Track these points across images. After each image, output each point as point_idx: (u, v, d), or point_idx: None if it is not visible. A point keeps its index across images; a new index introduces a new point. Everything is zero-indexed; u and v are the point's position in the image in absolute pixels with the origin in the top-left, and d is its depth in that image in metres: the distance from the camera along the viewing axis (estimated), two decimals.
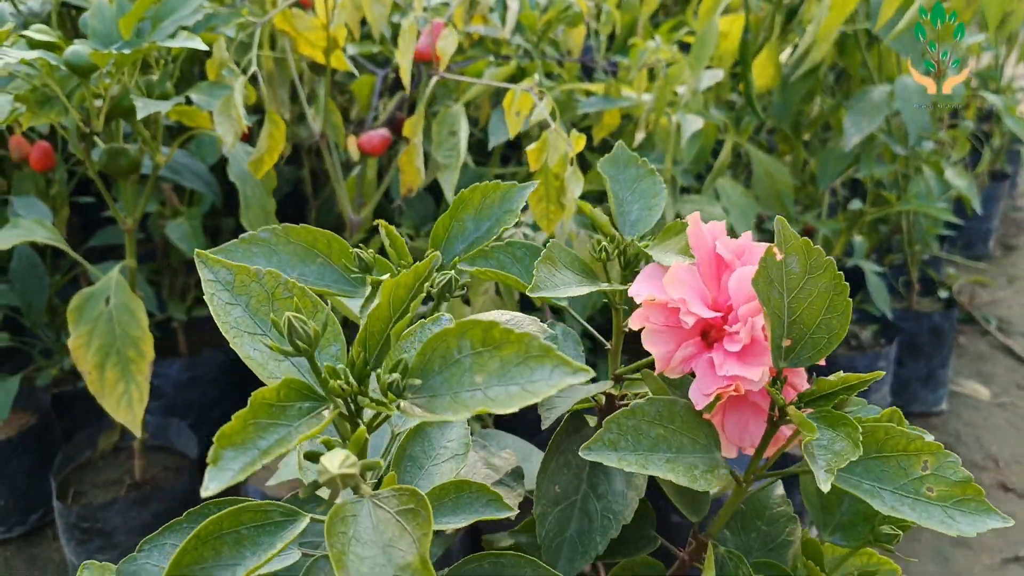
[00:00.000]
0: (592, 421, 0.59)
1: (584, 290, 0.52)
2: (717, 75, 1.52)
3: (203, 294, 0.43)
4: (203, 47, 0.84)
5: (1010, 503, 1.70)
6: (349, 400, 0.38)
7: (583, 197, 1.55)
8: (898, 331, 1.89)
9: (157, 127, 1.04)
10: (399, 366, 0.37)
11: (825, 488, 0.42)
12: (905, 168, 1.85)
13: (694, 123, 1.36)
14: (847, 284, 0.49)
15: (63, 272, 1.62)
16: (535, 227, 1.20)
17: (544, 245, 0.54)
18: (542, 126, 1.02)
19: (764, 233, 1.80)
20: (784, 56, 1.80)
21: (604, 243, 0.56)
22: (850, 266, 1.80)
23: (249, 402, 0.35)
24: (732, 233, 1.65)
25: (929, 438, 0.49)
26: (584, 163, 1.67)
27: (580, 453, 0.44)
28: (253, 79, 1.25)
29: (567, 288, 0.51)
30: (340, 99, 1.60)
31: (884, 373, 0.59)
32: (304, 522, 0.38)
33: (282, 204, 1.71)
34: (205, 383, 1.63)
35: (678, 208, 1.56)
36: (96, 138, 1.08)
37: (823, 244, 1.81)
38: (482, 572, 0.47)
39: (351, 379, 0.38)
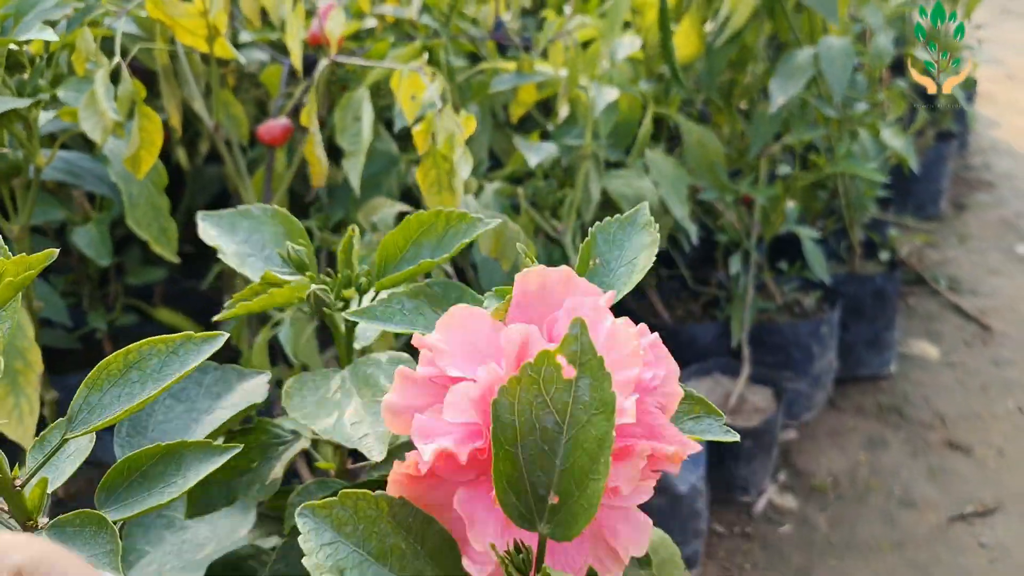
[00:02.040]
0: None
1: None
2: (635, 42, 1.49)
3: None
4: (54, 38, 0.80)
5: (956, 460, 1.69)
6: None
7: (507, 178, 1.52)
8: (840, 296, 1.87)
9: (32, 129, 1.00)
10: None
11: None
12: (839, 131, 1.83)
13: (608, 94, 1.33)
14: (613, 437, 0.34)
15: None
16: None
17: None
18: (430, 107, 0.99)
19: (698, 204, 1.78)
20: (709, 26, 1.77)
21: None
22: (786, 232, 1.78)
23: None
24: (663, 206, 1.61)
25: None
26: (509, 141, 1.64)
27: (297, 514, 0.38)
28: (146, 74, 1.20)
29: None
30: (256, 92, 1.56)
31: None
32: None
33: (213, 204, 1.67)
34: None
35: (604, 183, 1.53)
36: None
37: (760, 213, 1.79)
38: None
39: None
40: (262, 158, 1.42)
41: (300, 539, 0.37)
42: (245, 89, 1.56)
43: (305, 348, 1.12)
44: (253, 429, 0.58)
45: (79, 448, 0.48)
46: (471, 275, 1.32)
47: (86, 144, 1.38)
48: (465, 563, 0.37)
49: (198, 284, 1.80)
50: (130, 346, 0.45)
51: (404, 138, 1.65)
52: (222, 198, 1.74)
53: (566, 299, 0.40)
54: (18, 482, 0.44)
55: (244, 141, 1.23)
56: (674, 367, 0.41)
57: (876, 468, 1.68)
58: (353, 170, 1.12)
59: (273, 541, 0.63)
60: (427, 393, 0.39)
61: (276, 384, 0.63)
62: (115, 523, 0.42)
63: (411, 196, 1.54)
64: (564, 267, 0.41)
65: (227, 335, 0.45)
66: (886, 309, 1.93)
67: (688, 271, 1.90)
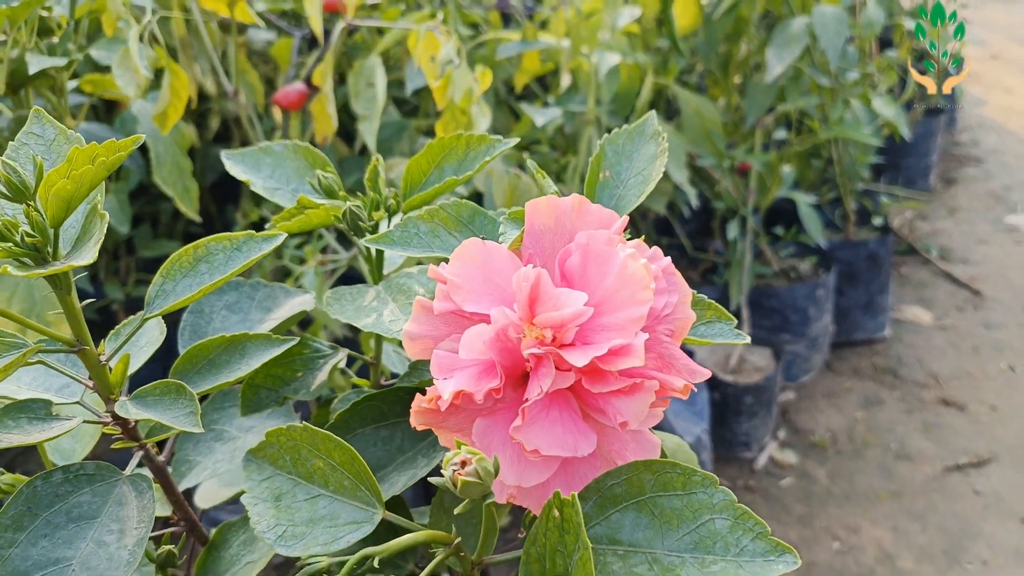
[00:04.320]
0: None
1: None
2: (635, 12, 1.53)
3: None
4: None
5: (950, 415, 1.75)
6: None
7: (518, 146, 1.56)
8: (835, 261, 1.92)
9: (63, 94, 1.04)
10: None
11: None
12: (832, 100, 1.87)
13: (610, 59, 1.37)
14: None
15: None
16: None
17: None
18: (447, 64, 1.03)
19: (695, 171, 1.82)
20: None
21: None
22: (784, 200, 1.83)
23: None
24: (664, 173, 1.67)
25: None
26: (514, 114, 1.68)
27: (243, 461, 0.46)
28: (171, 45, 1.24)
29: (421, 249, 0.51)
30: (264, 68, 1.59)
31: None
32: None
33: (219, 183, 1.71)
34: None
35: None
36: (4, 107, 1.08)
37: (756, 180, 1.84)
38: None
39: None
40: (275, 129, 1.45)
41: (243, 481, 0.44)
42: (254, 64, 1.59)
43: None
44: (297, 343, 0.62)
45: (150, 339, 0.52)
46: None
47: (97, 118, 1.42)
48: None
49: None
50: (198, 241, 0.48)
51: (410, 107, 1.69)
52: (229, 177, 1.78)
53: (580, 228, 0.40)
54: (103, 357, 0.48)
55: (260, 108, 1.26)
56: (687, 291, 0.41)
57: (873, 425, 1.73)
58: (369, 132, 1.16)
59: None
60: (444, 323, 0.40)
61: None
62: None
63: None
64: (575, 195, 0.41)
65: (285, 235, 0.49)
66: (880, 274, 1.98)
67: (687, 240, 1.95)
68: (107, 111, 1.46)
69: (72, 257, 0.43)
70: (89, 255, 0.40)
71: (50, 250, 0.43)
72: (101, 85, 1.18)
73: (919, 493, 1.54)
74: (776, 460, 1.65)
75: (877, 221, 2.06)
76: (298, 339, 0.57)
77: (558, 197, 0.41)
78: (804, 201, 1.81)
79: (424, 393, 0.39)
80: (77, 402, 0.50)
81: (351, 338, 1.50)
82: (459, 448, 0.37)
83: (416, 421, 0.40)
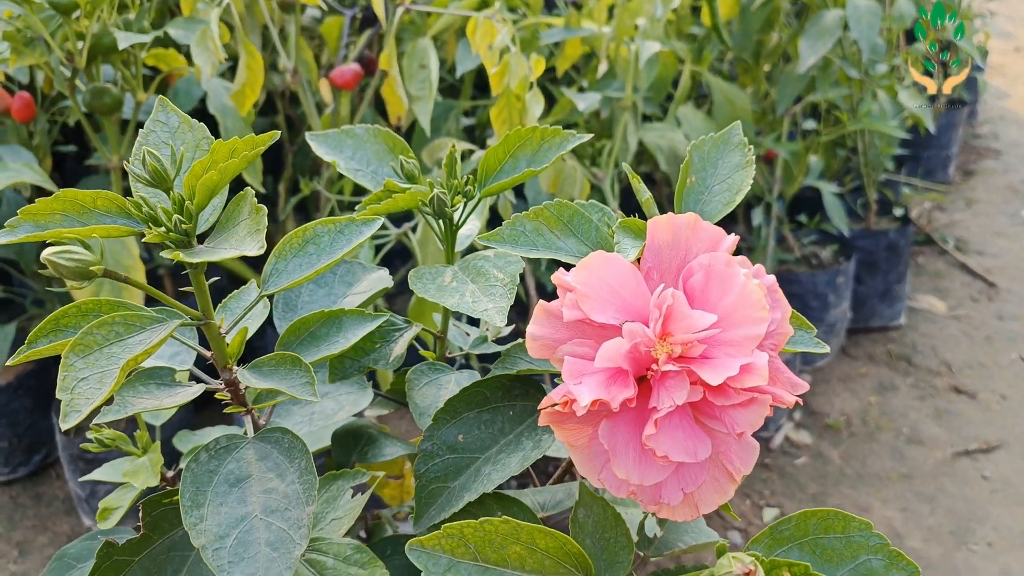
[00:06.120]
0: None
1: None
2: (674, 1, 1.57)
3: None
4: None
5: (961, 403, 1.80)
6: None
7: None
8: (856, 250, 1.97)
9: (137, 67, 1.09)
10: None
11: None
12: (860, 92, 1.92)
13: (650, 48, 1.42)
14: None
15: None
16: None
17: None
18: (503, 52, 1.08)
19: None
20: None
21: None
22: (808, 188, 1.88)
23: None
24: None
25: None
26: (551, 99, 1.73)
27: (408, 551, 0.46)
28: (228, 22, 1.29)
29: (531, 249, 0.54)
30: (311, 45, 1.64)
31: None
32: None
33: (265, 155, 1.76)
34: None
35: (641, 135, 1.63)
36: (78, 82, 1.13)
37: (783, 167, 1.89)
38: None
39: None
40: (324, 106, 1.51)
41: (423, 573, 0.46)
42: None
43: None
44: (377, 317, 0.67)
45: (257, 312, 0.58)
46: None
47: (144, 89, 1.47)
48: (605, 483, 0.43)
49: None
50: (306, 224, 0.54)
51: (445, 85, 1.74)
52: (272, 150, 1.83)
53: (694, 244, 0.44)
54: (223, 330, 0.54)
55: (315, 85, 1.32)
56: (787, 308, 0.44)
57: (886, 410, 1.79)
58: (423, 113, 1.21)
59: (385, 412, 0.74)
60: (568, 328, 0.43)
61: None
62: None
63: (471, 138, 1.63)
64: (691, 213, 0.45)
65: (382, 219, 0.54)
66: (898, 263, 2.03)
67: None
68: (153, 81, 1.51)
69: (222, 244, 0.48)
70: (255, 246, 0.44)
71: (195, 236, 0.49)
72: (165, 60, 1.23)
73: (929, 476, 1.60)
74: (792, 440, 1.71)
75: (898, 212, 2.11)
76: (388, 314, 0.63)
77: (675, 215, 0.45)
78: (829, 190, 1.86)
79: (536, 387, 0.43)
80: (188, 369, 0.56)
81: (393, 309, 1.56)
82: (733, 559, 0.42)
83: (544, 420, 0.43)
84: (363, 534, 0.80)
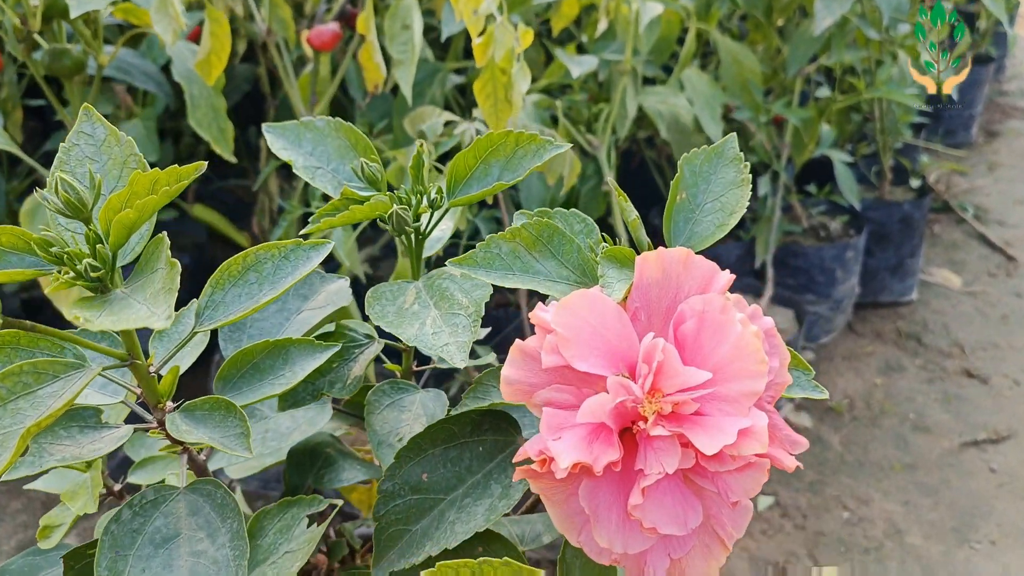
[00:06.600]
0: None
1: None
2: None
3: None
4: None
5: (972, 388, 1.73)
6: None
7: (542, 90, 1.52)
8: (867, 221, 1.88)
9: (97, 26, 1.01)
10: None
11: None
12: (879, 53, 1.81)
13: (653, 9, 1.32)
14: None
15: (21, 178, 1.60)
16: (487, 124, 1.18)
17: None
18: (488, 18, 0.99)
19: (730, 123, 1.77)
20: None
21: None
22: (819, 156, 1.78)
23: None
24: (696, 124, 1.61)
25: None
26: (548, 55, 1.63)
27: None
28: None
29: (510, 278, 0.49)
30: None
31: None
32: None
33: (241, 103, 1.68)
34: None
35: (640, 100, 1.53)
36: (40, 39, 1.06)
37: (792, 134, 1.79)
38: None
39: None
40: (306, 63, 1.42)
41: None
42: None
43: (350, 252, 1.15)
44: (333, 332, 0.61)
45: (195, 342, 0.52)
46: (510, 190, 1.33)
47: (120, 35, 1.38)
48: (585, 547, 0.39)
49: (226, 184, 1.84)
50: (247, 250, 0.48)
51: (442, 48, 1.64)
52: (251, 97, 1.75)
53: (685, 282, 0.40)
54: (152, 368, 0.47)
55: (292, 44, 1.23)
56: (786, 355, 0.41)
57: (891, 392, 1.72)
58: (404, 78, 1.12)
59: (343, 431, 0.68)
60: (547, 373, 0.40)
61: None
62: None
63: (456, 105, 1.54)
64: (682, 248, 0.41)
65: (333, 243, 0.47)
66: (912, 236, 1.94)
67: None
68: (127, 29, 1.42)
69: (136, 293, 0.42)
70: (163, 315, 0.39)
71: (111, 277, 0.43)
72: (133, 15, 1.14)
73: (933, 467, 1.53)
74: (791, 423, 1.64)
75: (914, 183, 2.01)
76: (344, 338, 0.56)
77: (665, 251, 0.40)
78: (840, 160, 1.76)
79: (508, 420, 0.38)
80: (122, 402, 0.50)
81: (377, 273, 1.49)
82: None
83: (520, 476, 0.40)
84: (324, 548, 0.75)
